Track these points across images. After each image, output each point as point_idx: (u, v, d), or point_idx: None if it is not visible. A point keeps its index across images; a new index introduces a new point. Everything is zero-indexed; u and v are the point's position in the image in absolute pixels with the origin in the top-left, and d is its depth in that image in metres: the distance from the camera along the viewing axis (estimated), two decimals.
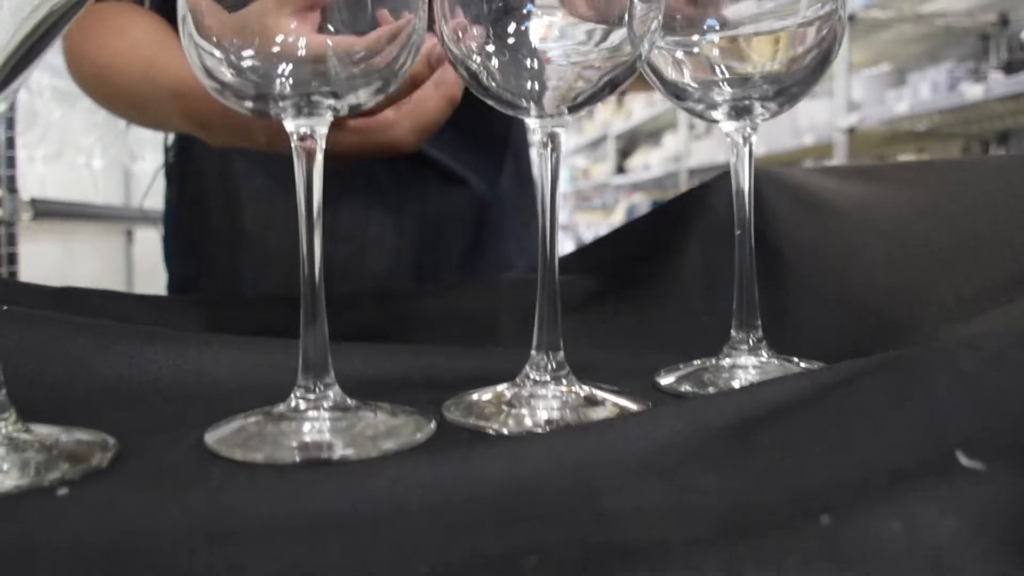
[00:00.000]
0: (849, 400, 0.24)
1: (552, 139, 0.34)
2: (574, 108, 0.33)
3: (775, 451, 0.23)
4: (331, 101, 0.30)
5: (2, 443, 0.29)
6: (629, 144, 6.03)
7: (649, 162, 5.36)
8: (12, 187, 2.04)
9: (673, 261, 0.57)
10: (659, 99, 5.02)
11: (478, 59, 0.31)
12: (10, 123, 1.98)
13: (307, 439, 0.33)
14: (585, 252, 0.68)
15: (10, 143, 2.05)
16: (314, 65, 0.29)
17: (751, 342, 0.39)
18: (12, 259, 2.04)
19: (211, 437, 0.33)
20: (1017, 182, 0.41)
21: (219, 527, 0.22)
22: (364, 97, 0.31)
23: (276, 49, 0.28)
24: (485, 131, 0.82)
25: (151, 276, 0.90)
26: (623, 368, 0.45)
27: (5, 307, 0.44)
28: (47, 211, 2.32)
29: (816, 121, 3.18)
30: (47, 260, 2.56)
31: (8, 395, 0.31)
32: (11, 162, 2.06)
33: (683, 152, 4.64)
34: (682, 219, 0.61)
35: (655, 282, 0.57)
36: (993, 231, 0.39)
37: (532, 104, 0.33)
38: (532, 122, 0.34)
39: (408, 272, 0.79)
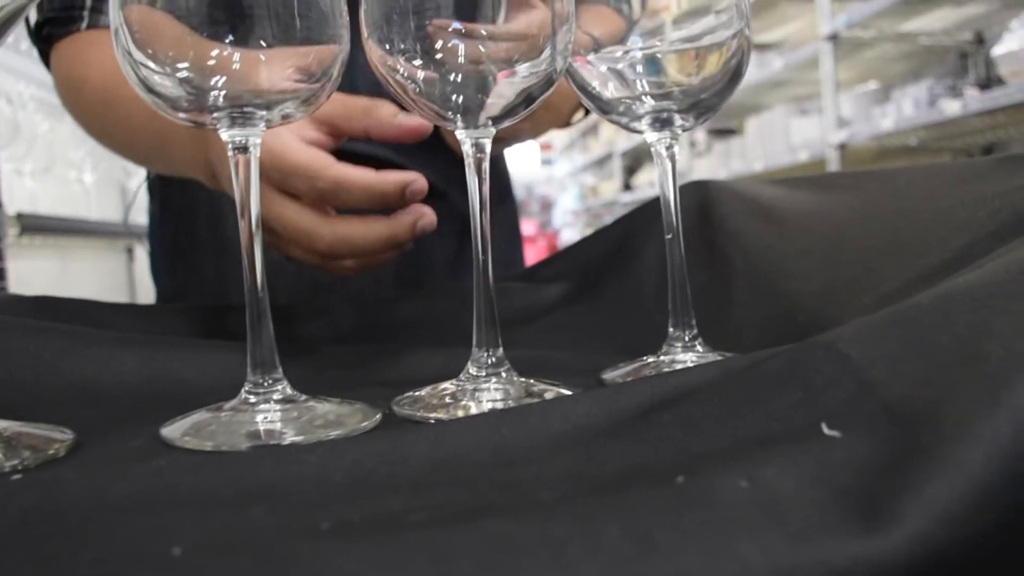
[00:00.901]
0: (744, 381, 0.26)
1: (479, 148, 0.36)
2: (497, 120, 0.36)
3: (673, 426, 0.25)
4: (263, 112, 0.32)
5: None
6: (634, 161, 6.05)
7: (654, 179, 5.39)
8: None
9: (631, 267, 0.59)
10: None
11: (405, 72, 0.33)
12: None
13: (258, 428, 0.34)
14: (550, 262, 0.70)
15: None
16: (246, 78, 0.30)
17: (686, 338, 0.41)
18: (1, 275, 2.04)
19: (166, 430, 0.35)
20: (937, 189, 0.43)
21: (156, 498, 0.24)
22: (292, 108, 0.33)
23: (211, 62, 0.30)
24: None
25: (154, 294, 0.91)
26: (574, 367, 0.47)
27: None
28: (35, 226, 2.30)
29: (809, 138, 3.21)
30: (41, 278, 2.55)
31: None
32: None
33: (685, 169, 4.65)
34: (642, 228, 0.63)
35: (613, 287, 0.59)
36: (913, 234, 0.41)
37: (459, 117, 0.35)
38: (460, 133, 0.36)
39: (390, 285, 0.81)
